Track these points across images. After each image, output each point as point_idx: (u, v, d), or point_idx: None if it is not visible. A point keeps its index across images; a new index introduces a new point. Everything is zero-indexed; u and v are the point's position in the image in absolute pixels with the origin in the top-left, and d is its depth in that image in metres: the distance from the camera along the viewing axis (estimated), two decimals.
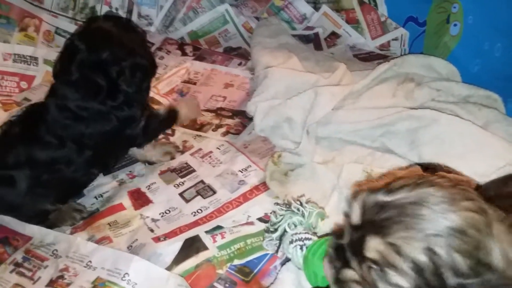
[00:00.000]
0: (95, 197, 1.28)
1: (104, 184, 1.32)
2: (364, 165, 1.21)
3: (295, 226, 1.00)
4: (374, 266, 0.60)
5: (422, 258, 0.56)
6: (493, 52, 1.40)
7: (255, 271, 1.03)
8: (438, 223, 0.56)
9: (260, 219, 1.15)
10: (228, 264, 1.04)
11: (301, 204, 1.03)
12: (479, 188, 0.91)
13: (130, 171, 1.36)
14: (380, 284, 0.59)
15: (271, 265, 1.03)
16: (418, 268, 0.56)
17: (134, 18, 1.92)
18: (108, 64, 1.13)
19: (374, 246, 0.60)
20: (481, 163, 1.11)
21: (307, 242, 0.95)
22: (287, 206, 1.05)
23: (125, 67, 1.14)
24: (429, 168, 1.02)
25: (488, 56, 1.42)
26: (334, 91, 1.38)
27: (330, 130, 1.34)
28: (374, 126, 1.29)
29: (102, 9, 1.88)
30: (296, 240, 0.97)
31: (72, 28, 1.86)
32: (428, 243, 0.56)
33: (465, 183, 0.64)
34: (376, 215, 0.61)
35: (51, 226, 1.18)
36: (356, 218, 0.64)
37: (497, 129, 1.22)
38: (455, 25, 1.51)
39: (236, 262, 1.04)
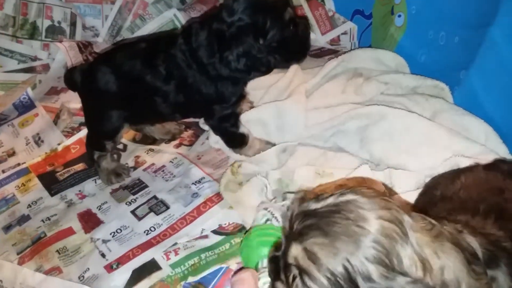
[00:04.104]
0: (42, 220, 1.23)
1: (51, 206, 1.28)
2: (316, 167, 1.20)
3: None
4: (297, 275, 0.60)
5: (337, 267, 0.57)
6: (437, 41, 1.41)
7: (210, 287, 1.00)
8: (351, 231, 0.57)
9: (214, 232, 1.12)
10: (182, 283, 1.01)
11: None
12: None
13: (79, 190, 1.32)
14: None
15: (225, 279, 1.01)
16: (332, 276, 0.57)
17: (79, 30, 1.86)
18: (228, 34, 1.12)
19: (293, 253, 0.61)
20: (428, 156, 1.12)
21: (273, 220, 1.00)
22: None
23: (239, 45, 1.12)
24: None
25: (433, 45, 1.42)
26: (298, 100, 1.34)
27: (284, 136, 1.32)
28: (325, 128, 1.28)
29: (44, 24, 1.81)
30: (266, 209, 1.03)
31: (13, 46, 1.80)
32: (342, 251, 0.57)
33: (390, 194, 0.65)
34: (300, 223, 0.62)
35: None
36: (286, 227, 0.65)
37: (444, 119, 1.22)
38: (399, 16, 1.51)
39: (190, 279, 1.02)
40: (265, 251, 0.91)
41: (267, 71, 1.21)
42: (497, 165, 0.91)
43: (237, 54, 1.12)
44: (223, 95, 1.22)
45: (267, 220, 1.00)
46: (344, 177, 1.13)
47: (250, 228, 1.02)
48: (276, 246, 0.71)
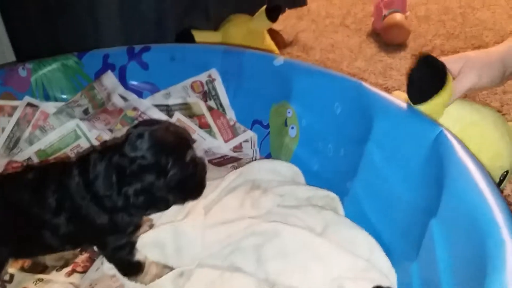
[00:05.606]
0: None
1: None
2: None
3: None
4: None
5: None
6: (326, 152, 1.52)
7: None
8: None
9: None
10: None
11: None
12: None
13: None
14: None
15: None
16: None
17: None
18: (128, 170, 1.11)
19: None
20: (318, 276, 1.15)
21: None
22: None
23: (139, 183, 1.11)
24: None
25: (323, 156, 1.53)
26: (195, 219, 1.33)
27: (183, 258, 1.30)
28: (223, 246, 1.29)
29: None
30: None
31: None
32: None
33: None
34: None
35: None
36: None
37: (334, 233, 1.28)
38: (292, 127, 1.62)
39: None
40: None
41: (164, 208, 1.22)
42: None
43: (135, 190, 1.12)
44: (118, 226, 1.19)
45: None
46: None
47: None
48: None
